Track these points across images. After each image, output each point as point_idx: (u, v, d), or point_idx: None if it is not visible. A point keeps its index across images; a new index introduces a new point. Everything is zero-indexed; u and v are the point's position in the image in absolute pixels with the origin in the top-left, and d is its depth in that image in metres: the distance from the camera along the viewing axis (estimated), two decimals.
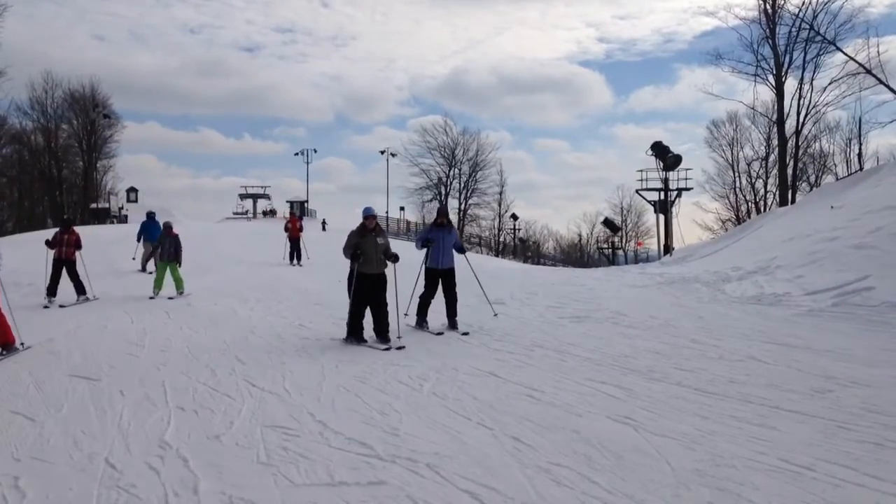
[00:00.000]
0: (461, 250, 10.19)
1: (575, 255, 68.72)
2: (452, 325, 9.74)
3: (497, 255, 56.04)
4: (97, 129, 60.92)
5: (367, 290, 8.53)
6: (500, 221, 65.08)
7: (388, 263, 8.76)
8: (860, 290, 11.46)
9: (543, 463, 4.45)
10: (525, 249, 65.32)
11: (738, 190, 52.08)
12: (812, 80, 36.21)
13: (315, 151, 71.13)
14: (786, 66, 36.03)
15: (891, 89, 28.90)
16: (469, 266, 10.86)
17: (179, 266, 13.51)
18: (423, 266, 9.97)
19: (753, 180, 51.21)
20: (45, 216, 57.00)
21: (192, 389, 6.26)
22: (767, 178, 49.63)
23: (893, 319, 9.96)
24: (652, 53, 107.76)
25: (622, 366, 7.31)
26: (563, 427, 5.19)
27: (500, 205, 64.95)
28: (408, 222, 59.57)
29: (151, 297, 12.73)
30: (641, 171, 29.85)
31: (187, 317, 10.42)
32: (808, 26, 33.66)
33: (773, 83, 36.31)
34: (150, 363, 7.32)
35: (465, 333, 9.26)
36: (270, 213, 66.21)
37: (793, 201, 33.92)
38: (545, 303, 12.16)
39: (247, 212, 68.48)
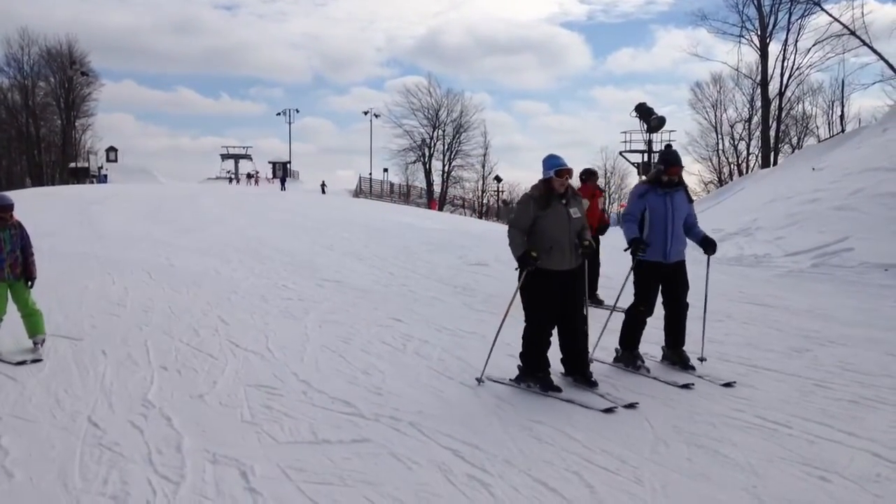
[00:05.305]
0: (708, 243, 5.70)
1: None
2: (679, 357, 5.74)
3: (480, 217, 55.96)
4: (75, 86, 59.64)
5: (555, 297, 5.11)
6: (483, 183, 64.61)
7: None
8: (839, 251, 11.61)
9: (525, 421, 4.50)
10: (509, 212, 65.21)
11: (720, 152, 52.05)
12: (796, 41, 36.33)
13: (297, 111, 70.07)
14: (770, 27, 36.00)
15: (874, 50, 28.92)
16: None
17: (31, 285, 6.36)
18: (634, 258, 5.73)
19: (736, 142, 51.19)
20: (24, 175, 56.03)
21: (174, 349, 6.25)
22: (750, 139, 49.61)
23: (871, 280, 10.12)
24: (633, 15, 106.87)
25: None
26: None
27: (483, 167, 64.45)
28: (391, 184, 59.16)
29: None
30: (626, 132, 29.91)
31: (169, 277, 10.34)
32: None
33: (758, 44, 36.27)
34: (132, 323, 7.27)
35: (729, 384, 5.29)
36: (249, 176, 64.32)
37: (775, 163, 34.12)
38: None
39: (229, 172, 67.49)
